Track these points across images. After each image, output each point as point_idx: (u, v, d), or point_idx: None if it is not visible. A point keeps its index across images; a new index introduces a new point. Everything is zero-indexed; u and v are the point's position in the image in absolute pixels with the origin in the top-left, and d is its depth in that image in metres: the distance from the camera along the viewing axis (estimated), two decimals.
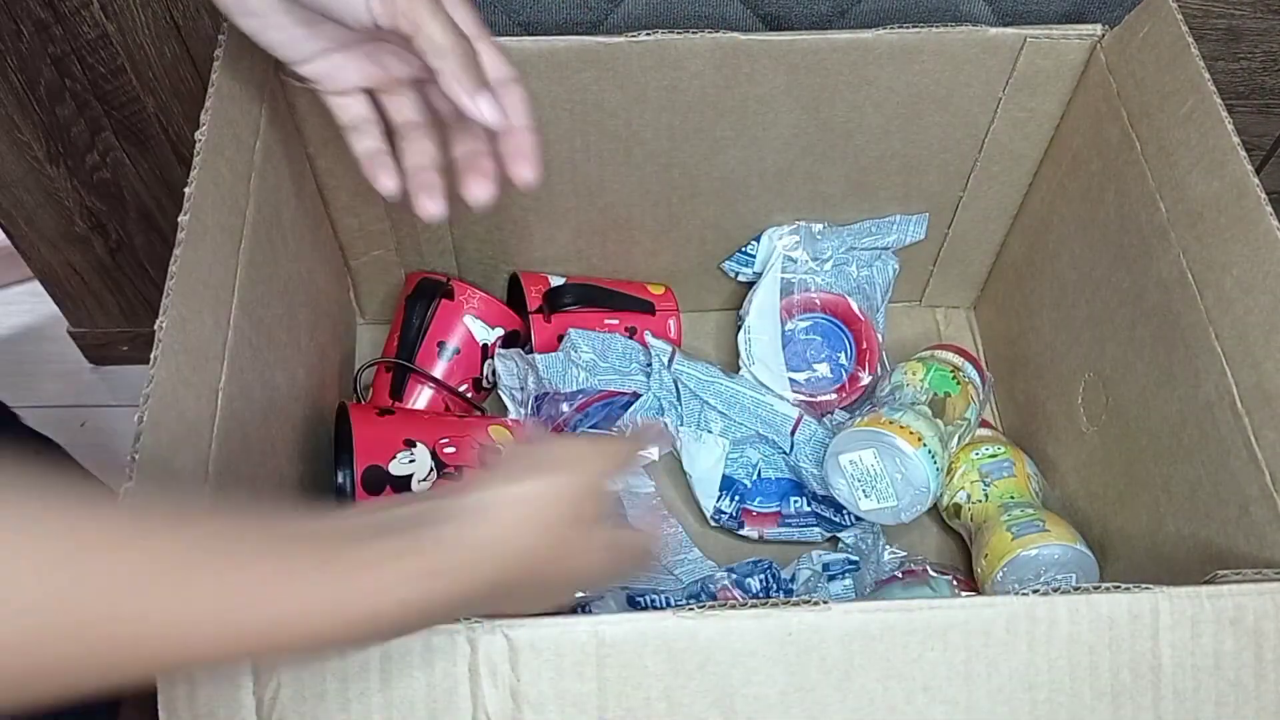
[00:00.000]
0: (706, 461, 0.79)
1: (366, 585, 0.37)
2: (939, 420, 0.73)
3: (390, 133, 0.55)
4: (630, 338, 0.83)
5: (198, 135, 0.57)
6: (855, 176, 0.79)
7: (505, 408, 0.81)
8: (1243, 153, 0.58)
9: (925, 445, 0.70)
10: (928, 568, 0.75)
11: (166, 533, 0.35)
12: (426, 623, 0.42)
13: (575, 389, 0.80)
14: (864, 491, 0.72)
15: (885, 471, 0.70)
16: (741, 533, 0.78)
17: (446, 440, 0.73)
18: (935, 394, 0.75)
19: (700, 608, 0.46)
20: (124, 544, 0.34)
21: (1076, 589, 0.47)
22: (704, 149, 0.75)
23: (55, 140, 1.07)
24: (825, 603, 0.46)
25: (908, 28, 0.68)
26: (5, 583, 0.31)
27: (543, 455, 0.45)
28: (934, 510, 0.79)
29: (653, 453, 0.83)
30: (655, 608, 0.71)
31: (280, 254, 0.65)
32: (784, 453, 0.79)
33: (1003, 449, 0.77)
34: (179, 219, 0.53)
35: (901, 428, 0.70)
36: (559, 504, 0.43)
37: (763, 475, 0.80)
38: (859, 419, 0.73)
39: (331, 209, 0.78)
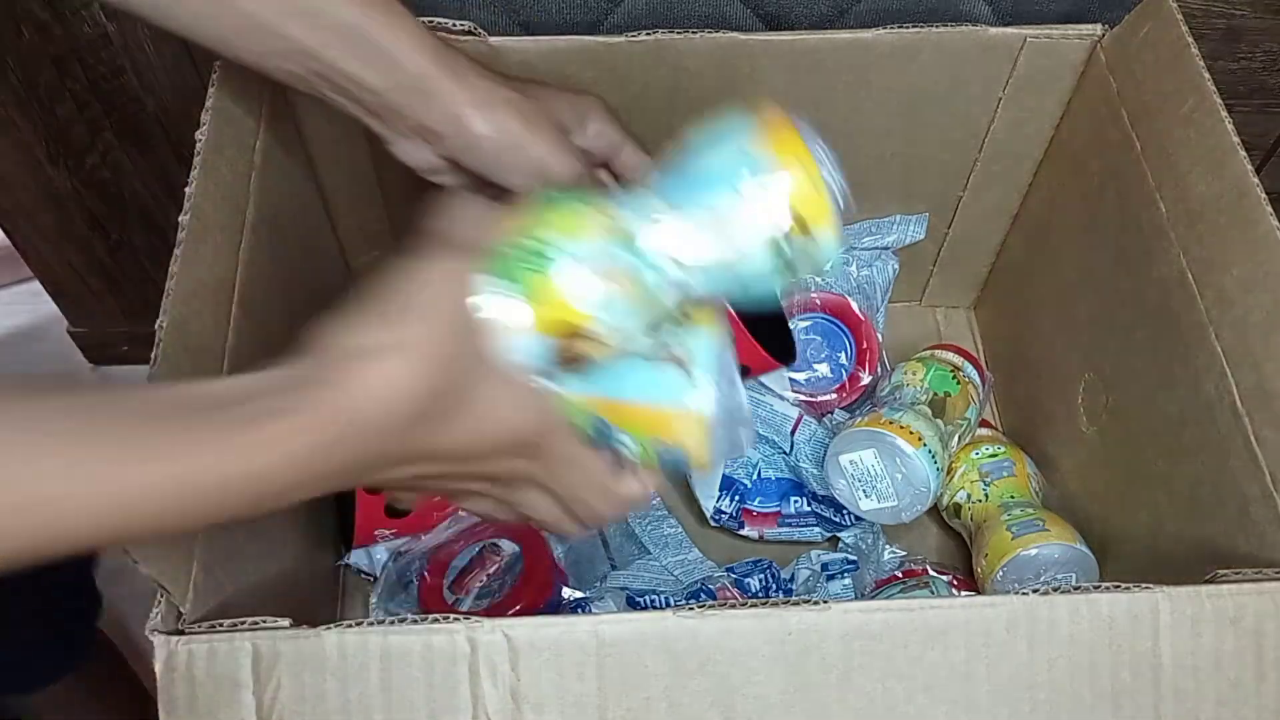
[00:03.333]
0: None
1: (250, 442, 0.37)
2: (939, 420, 0.73)
3: None
4: None
5: (198, 135, 0.57)
6: (855, 176, 0.77)
7: None
8: (1243, 153, 0.58)
9: (925, 445, 0.70)
10: (928, 568, 0.75)
11: (48, 402, 0.36)
12: (325, 483, 0.40)
13: None
14: (864, 491, 0.72)
15: (886, 471, 0.70)
16: (741, 533, 0.78)
17: None
18: (935, 394, 0.75)
19: (700, 607, 0.46)
20: (5, 415, 0.34)
21: (1076, 589, 0.47)
22: None
23: (55, 140, 1.07)
24: (825, 602, 0.46)
25: (908, 28, 0.68)
26: None
27: (413, 292, 0.43)
28: (934, 510, 0.79)
29: None
30: (655, 608, 0.71)
31: (280, 254, 0.65)
32: (784, 453, 0.79)
33: (1003, 449, 0.77)
34: (179, 219, 0.53)
35: (902, 428, 0.70)
36: (440, 343, 0.42)
37: (763, 475, 0.79)
38: (859, 419, 0.73)
39: (331, 209, 0.78)
